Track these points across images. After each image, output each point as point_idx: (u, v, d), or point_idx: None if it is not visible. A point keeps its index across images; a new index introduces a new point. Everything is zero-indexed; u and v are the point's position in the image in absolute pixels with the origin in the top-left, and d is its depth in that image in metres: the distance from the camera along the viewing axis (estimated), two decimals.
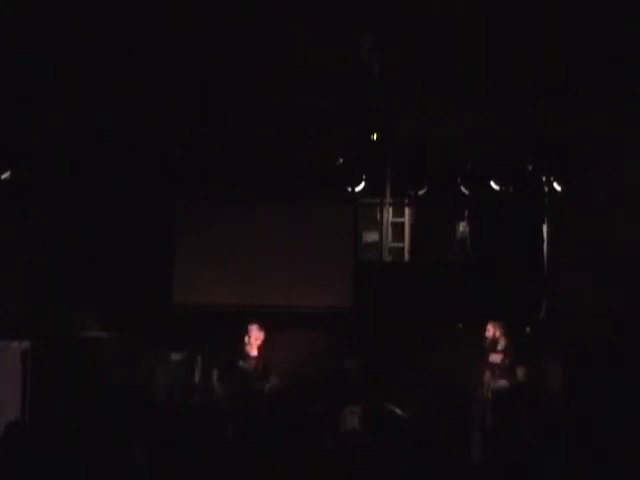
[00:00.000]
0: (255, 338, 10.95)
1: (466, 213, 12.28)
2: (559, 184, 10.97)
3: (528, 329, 11.58)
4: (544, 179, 11.03)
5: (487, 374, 10.74)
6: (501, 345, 10.85)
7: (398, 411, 8.74)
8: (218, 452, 6.90)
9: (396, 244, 12.39)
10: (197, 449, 6.96)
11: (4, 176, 11.06)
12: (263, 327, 11.00)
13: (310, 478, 6.80)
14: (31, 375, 10.77)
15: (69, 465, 6.78)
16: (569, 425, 10.42)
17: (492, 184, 11.16)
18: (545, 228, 11.94)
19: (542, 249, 11.92)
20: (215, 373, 10.82)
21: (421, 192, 11.36)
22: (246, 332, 10.99)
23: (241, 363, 10.84)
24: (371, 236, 12.55)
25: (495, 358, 10.80)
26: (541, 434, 10.30)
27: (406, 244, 12.47)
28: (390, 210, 12.10)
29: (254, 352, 10.98)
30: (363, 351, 11.37)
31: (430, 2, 8.18)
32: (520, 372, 10.64)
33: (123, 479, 6.87)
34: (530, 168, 11.04)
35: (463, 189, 11.38)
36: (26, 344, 10.84)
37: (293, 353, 11.35)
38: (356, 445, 7.68)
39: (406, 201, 12.29)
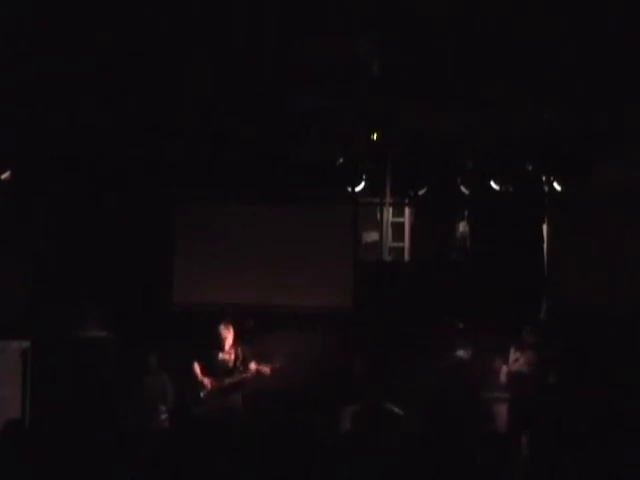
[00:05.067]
0: (225, 334, 11.01)
1: (466, 213, 12.30)
2: (559, 184, 10.97)
3: (528, 329, 11.57)
4: (544, 179, 11.04)
5: None
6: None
7: (397, 411, 8.74)
8: (216, 451, 6.90)
9: (396, 244, 12.40)
10: (195, 448, 6.96)
11: (4, 176, 11.07)
12: (231, 324, 11.08)
13: (310, 478, 6.80)
14: (31, 375, 10.77)
15: (69, 465, 6.78)
16: (569, 425, 10.42)
17: (492, 184, 11.17)
18: (545, 228, 11.95)
19: (542, 249, 11.93)
20: (197, 366, 10.90)
21: (421, 192, 11.38)
22: (218, 331, 11.02)
23: (220, 355, 10.93)
24: (371, 236, 12.57)
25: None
26: (540, 434, 10.31)
27: (406, 244, 12.48)
28: (390, 210, 12.11)
29: (228, 346, 11.01)
30: (363, 351, 11.37)
31: (430, 2, 8.17)
32: None
33: (123, 479, 6.87)
34: (530, 168, 11.05)
35: (463, 189, 11.39)
36: (26, 344, 10.85)
37: (293, 353, 11.35)
38: (356, 445, 7.67)
39: (406, 201, 12.30)
